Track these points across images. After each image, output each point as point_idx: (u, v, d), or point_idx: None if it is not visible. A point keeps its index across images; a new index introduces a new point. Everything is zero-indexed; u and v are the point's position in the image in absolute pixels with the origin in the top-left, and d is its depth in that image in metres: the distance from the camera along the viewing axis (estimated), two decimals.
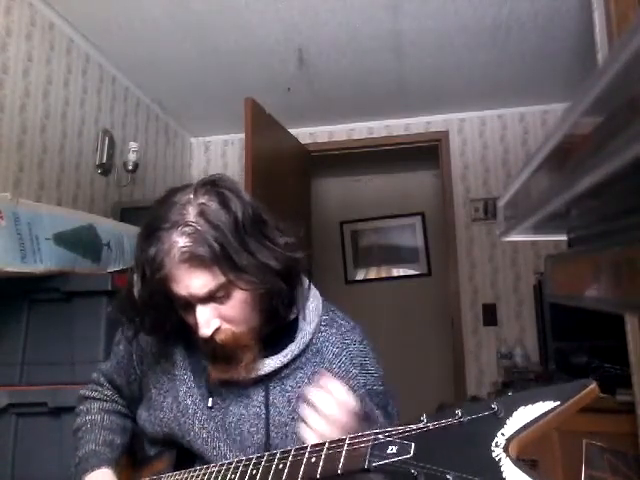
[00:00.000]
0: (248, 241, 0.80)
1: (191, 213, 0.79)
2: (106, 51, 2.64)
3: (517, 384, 2.51)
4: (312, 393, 0.74)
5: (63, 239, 1.59)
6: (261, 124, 2.70)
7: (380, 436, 0.57)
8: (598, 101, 0.30)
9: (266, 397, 0.88)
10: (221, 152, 3.71)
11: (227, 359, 0.84)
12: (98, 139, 2.62)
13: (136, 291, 0.81)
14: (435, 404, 3.72)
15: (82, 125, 2.52)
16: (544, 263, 0.49)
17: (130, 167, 2.76)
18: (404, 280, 4.41)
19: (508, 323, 3.17)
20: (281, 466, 0.65)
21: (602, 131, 0.29)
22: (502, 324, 3.18)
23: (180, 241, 0.78)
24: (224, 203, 0.81)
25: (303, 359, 0.90)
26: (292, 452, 0.66)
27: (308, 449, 0.64)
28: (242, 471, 0.70)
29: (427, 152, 3.57)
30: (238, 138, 3.55)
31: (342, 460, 0.58)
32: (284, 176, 2.94)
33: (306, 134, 3.50)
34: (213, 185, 0.83)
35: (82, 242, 1.67)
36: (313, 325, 0.91)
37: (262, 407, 0.88)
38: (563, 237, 0.49)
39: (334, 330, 0.93)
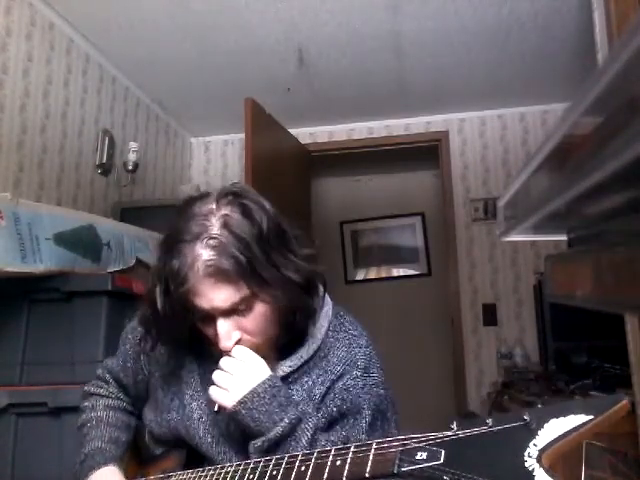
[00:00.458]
0: (272, 254, 0.80)
1: (214, 225, 0.78)
2: (106, 51, 2.64)
3: (517, 384, 2.51)
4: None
5: (63, 239, 1.59)
6: (261, 124, 2.70)
7: (409, 442, 0.56)
8: (598, 101, 0.30)
9: None
10: (221, 152, 3.71)
11: None
12: (98, 139, 2.62)
13: (159, 304, 0.81)
14: (435, 404, 3.73)
15: (82, 125, 2.52)
16: (544, 263, 0.49)
17: (130, 167, 2.76)
18: (404, 280, 4.41)
19: (508, 323, 3.17)
20: (303, 468, 0.65)
21: (602, 131, 0.29)
22: (502, 324, 3.18)
23: (204, 254, 0.76)
24: (248, 214, 0.80)
25: (310, 364, 0.90)
26: (315, 454, 0.66)
27: (332, 452, 0.64)
28: (261, 471, 0.70)
29: (427, 152, 3.57)
30: (238, 138, 3.55)
31: (370, 464, 0.58)
32: (284, 176, 2.94)
33: (306, 134, 3.50)
34: (236, 195, 0.82)
35: (82, 242, 1.67)
36: (323, 330, 0.91)
37: None
38: (563, 237, 0.49)
39: (341, 335, 0.93)
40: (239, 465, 0.76)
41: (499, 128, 3.38)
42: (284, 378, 0.88)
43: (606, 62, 0.28)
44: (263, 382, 0.81)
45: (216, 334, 0.82)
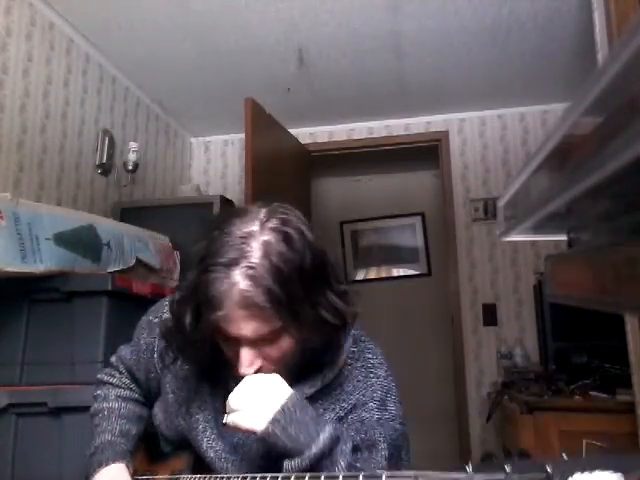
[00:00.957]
0: (311, 291, 0.77)
1: (255, 251, 0.74)
2: (106, 51, 2.64)
3: (517, 384, 2.51)
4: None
5: (63, 239, 1.59)
6: (261, 124, 2.70)
7: (421, 479, 0.54)
8: (598, 101, 0.30)
9: None
10: (221, 152, 3.71)
11: None
12: (98, 139, 2.62)
13: (187, 323, 0.78)
14: (435, 404, 3.73)
15: (82, 125, 2.52)
16: (544, 263, 0.49)
17: (130, 167, 2.76)
18: (404, 280, 4.41)
19: (508, 323, 3.17)
20: None
21: (602, 131, 0.29)
22: (502, 324, 3.17)
23: (241, 283, 0.73)
24: (291, 245, 0.76)
25: (325, 391, 0.87)
26: (322, 477, 0.64)
27: (340, 478, 0.62)
28: None
29: (427, 152, 3.57)
30: (238, 138, 3.55)
31: None
32: (284, 176, 2.94)
33: (306, 134, 3.50)
34: (280, 221, 0.78)
35: (82, 242, 1.67)
36: (342, 359, 0.89)
37: None
38: (563, 237, 0.49)
39: (360, 364, 0.90)
40: (245, 477, 0.75)
41: (499, 128, 3.38)
42: None
43: (606, 62, 0.28)
44: (289, 397, 0.77)
45: (237, 358, 0.79)
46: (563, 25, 2.46)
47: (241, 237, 0.75)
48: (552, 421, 2.10)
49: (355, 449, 0.82)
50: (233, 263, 0.73)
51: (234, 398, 0.78)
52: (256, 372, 0.80)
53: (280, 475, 0.73)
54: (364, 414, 0.86)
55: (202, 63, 2.75)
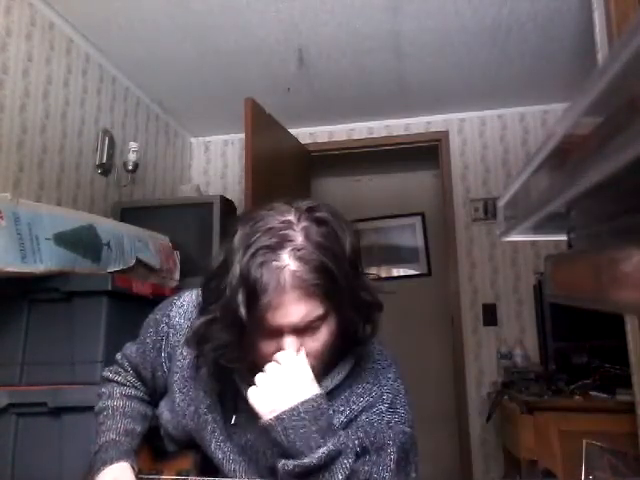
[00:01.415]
0: (353, 275, 0.78)
1: (297, 235, 0.74)
2: (106, 51, 2.64)
3: (517, 384, 2.51)
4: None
5: (63, 239, 1.59)
6: (261, 124, 2.70)
7: None
8: (598, 101, 0.30)
9: None
10: (221, 152, 3.71)
11: None
12: (98, 139, 2.62)
13: (243, 312, 0.73)
14: (435, 404, 3.73)
15: (82, 125, 2.52)
16: (544, 263, 0.49)
17: (130, 167, 2.76)
18: (404, 280, 4.40)
19: (508, 323, 3.17)
20: None
21: (602, 131, 0.29)
22: (502, 324, 3.17)
23: (291, 264, 0.73)
24: (330, 228, 0.77)
25: (334, 393, 0.87)
26: None
27: None
28: None
29: (427, 152, 3.57)
30: (238, 138, 3.55)
31: None
32: (284, 176, 2.94)
33: (306, 134, 3.50)
34: (314, 209, 0.79)
35: (82, 242, 1.67)
36: (352, 361, 0.89)
37: None
38: (563, 237, 0.49)
39: (369, 366, 0.90)
40: None
41: (499, 128, 3.38)
42: None
43: (606, 62, 0.28)
44: (307, 400, 0.75)
45: (276, 351, 0.77)
46: (563, 25, 2.46)
47: (280, 224, 0.75)
48: (552, 421, 2.10)
49: (364, 452, 0.82)
50: (279, 247, 0.73)
51: (263, 375, 0.78)
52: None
53: None
54: (373, 417, 0.85)
55: (202, 63, 2.75)
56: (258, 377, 0.78)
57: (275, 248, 0.73)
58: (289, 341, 0.77)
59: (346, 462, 0.75)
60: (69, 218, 1.67)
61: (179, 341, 0.94)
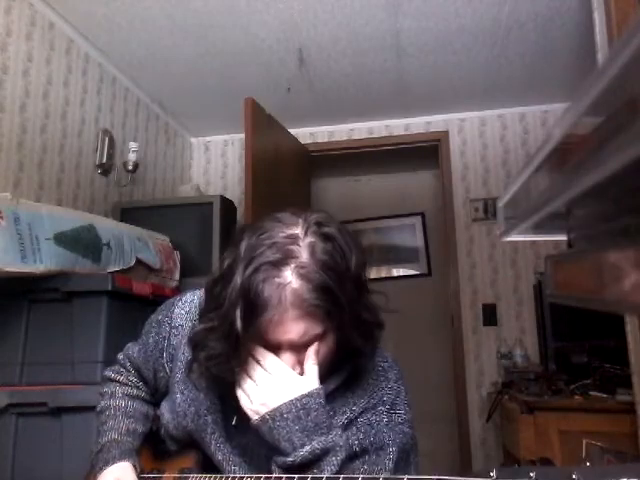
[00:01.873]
0: (356, 295, 0.77)
1: (302, 251, 0.74)
2: (106, 51, 2.64)
3: (517, 384, 2.51)
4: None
5: (63, 239, 1.59)
6: (261, 124, 2.70)
7: None
8: (598, 101, 0.30)
9: None
10: (221, 152, 3.71)
11: None
12: (98, 139, 2.62)
13: (239, 326, 0.72)
14: (435, 404, 3.73)
15: (82, 125, 2.52)
16: (544, 263, 0.49)
17: (130, 167, 2.75)
18: (404, 280, 4.40)
19: (508, 323, 3.17)
20: None
21: (602, 131, 0.29)
22: (502, 324, 3.17)
23: (294, 282, 0.72)
24: (336, 245, 0.76)
25: (335, 394, 0.87)
26: (341, 478, 0.64)
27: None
28: None
29: (427, 152, 3.57)
30: (238, 138, 3.55)
31: None
32: (284, 176, 2.94)
33: (306, 134, 3.50)
34: (321, 225, 0.77)
35: (82, 242, 1.67)
36: (353, 363, 0.88)
37: None
38: (563, 237, 0.49)
39: (370, 367, 0.90)
40: (259, 477, 0.75)
41: (499, 128, 3.38)
42: None
43: (606, 62, 0.28)
44: (291, 402, 0.77)
45: None
46: (563, 25, 2.46)
47: (286, 238, 0.74)
48: (552, 421, 2.10)
49: (363, 452, 0.82)
50: (282, 263, 0.72)
51: (259, 374, 0.79)
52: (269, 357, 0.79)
53: (284, 476, 0.73)
54: (373, 417, 0.86)
55: (202, 63, 2.75)
56: (245, 379, 0.80)
57: (278, 264, 0.72)
58: (286, 357, 0.78)
59: (334, 460, 0.75)
60: (69, 218, 1.67)
61: (181, 342, 0.94)
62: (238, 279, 0.73)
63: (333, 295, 0.73)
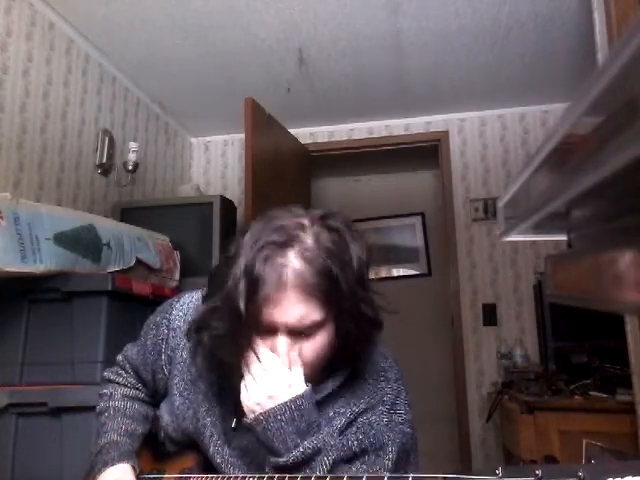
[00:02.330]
0: (357, 287, 0.77)
1: (308, 237, 0.75)
2: (106, 51, 2.64)
3: (517, 384, 2.51)
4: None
5: (63, 239, 1.59)
6: (261, 124, 2.70)
7: None
8: (598, 101, 0.30)
9: None
10: (221, 152, 3.71)
11: None
12: (98, 139, 2.62)
13: (241, 303, 0.73)
14: (435, 404, 3.73)
15: (82, 125, 2.52)
16: (544, 263, 0.49)
17: (130, 167, 2.75)
18: (404, 280, 4.40)
19: (508, 323, 3.17)
20: None
21: (602, 131, 0.29)
22: (502, 324, 3.17)
23: (296, 263, 0.73)
24: (341, 237, 0.78)
25: (335, 395, 0.87)
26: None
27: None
28: None
29: (427, 152, 3.57)
30: (238, 138, 3.55)
31: None
32: (284, 176, 2.94)
33: (306, 134, 3.50)
34: (328, 218, 0.79)
35: (82, 242, 1.67)
36: (353, 363, 0.88)
37: None
38: (563, 237, 0.49)
39: (370, 366, 0.90)
40: (262, 477, 0.76)
41: (499, 128, 3.38)
42: None
43: (606, 62, 0.28)
44: (285, 403, 0.77)
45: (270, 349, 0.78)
46: (563, 25, 2.46)
47: (293, 224, 0.76)
48: (552, 421, 2.10)
49: (363, 452, 0.82)
50: (287, 245, 0.74)
51: (248, 378, 0.79)
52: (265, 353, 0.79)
53: (287, 475, 0.73)
54: (373, 417, 0.85)
55: (202, 63, 2.75)
56: (247, 374, 0.80)
57: (283, 245, 0.74)
58: (281, 341, 0.78)
59: (326, 460, 0.76)
60: (69, 218, 1.67)
61: (179, 344, 0.94)
62: (243, 259, 0.75)
63: (334, 280, 0.74)
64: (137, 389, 1.03)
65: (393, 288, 4.42)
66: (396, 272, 4.47)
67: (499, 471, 0.50)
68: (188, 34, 2.50)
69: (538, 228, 0.48)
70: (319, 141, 3.56)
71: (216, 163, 3.69)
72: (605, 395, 2.13)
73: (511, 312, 3.18)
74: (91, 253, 1.69)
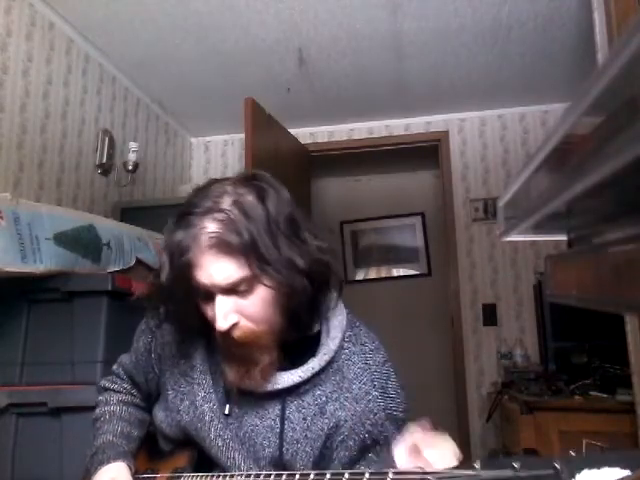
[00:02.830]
0: (278, 237, 0.79)
1: (226, 202, 0.79)
2: (106, 51, 2.64)
3: (517, 384, 2.51)
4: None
5: (63, 239, 1.59)
6: (261, 124, 2.70)
7: (429, 477, 0.54)
8: (598, 101, 0.30)
9: (282, 411, 0.86)
10: (221, 152, 3.71)
11: (243, 360, 0.82)
12: (98, 139, 2.62)
13: (163, 274, 0.80)
14: (435, 404, 3.73)
15: (82, 125, 2.52)
16: (544, 263, 0.49)
17: (130, 167, 2.75)
18: (404, 280, 4.40)
19: (508, 323, 3.17)
20: None
21: (602, 131, 0.29)
22: (502, 324, 3.17)
23: (210, 226, 0.77)
24: (261, 197, 0.80)
25: (323, 376, 0.87)
26: (327, 476, 0.65)
27: (346, 475, 0.63)
28: None
29: (427, 152, 3.57)
30: (238, 138, 3.55)
31: None
32: (284, 176, 2.90)
33: (306, 134, 3.50)
34: (253, 179, 0.84)
35: (82, 242, 1.67)
36: (336, 342, 0.89)
37: (277, 421, 0.86)
38: (563, 237, 0.49)
39: (357, 349, 0.91)
40: (248, 477, 0.76)
41: (499, 128, 3.38)
42: (295, 387, 0.86)
43: (606, 62, 0.28)
44: None
45: (214, 315, 0.80)
46: (563, 25, 2.46)
47: (216, 193, 0.81)
48: (552, 421, 2.10)
49: (374, 443, 0.85)
50: (205, 212, 0.78)
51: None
52: (233, 328, 0.81)
53: (285, 473, 0.73)
54: (371, 405, 0.86)
55: (202, 63, 2.75)
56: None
57: (202, 214, 0.78)
58: (219, 302, 0.80)
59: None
60: (69, 218, 1.67)
61: (169, 341, 0.96)
62: (168, 232, 0.82)
63: (249, 236, 0.76)
64: (133, 395, 1.05)
65: (393, 288, 4.42)
66: (396, 272, 4.47)
67: (477, 464, 0.50)
68: (188, 34, 2.50)
69: (538, 228, 0.48)
70: (319, 141, 3.56)
71: (216, 163, 3.69)
72: (605, 395, 2.13)
73: (511, 312, 3.18)
74: (91, 253, 1.69)
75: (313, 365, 0.86)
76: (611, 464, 0.43)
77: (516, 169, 3.25)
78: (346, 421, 0.85)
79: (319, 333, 0.91)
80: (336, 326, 0.90)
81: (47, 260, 1.52)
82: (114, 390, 1.05)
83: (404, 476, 0.57)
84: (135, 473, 0.93)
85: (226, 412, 0.87)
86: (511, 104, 3.32)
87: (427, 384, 3.89)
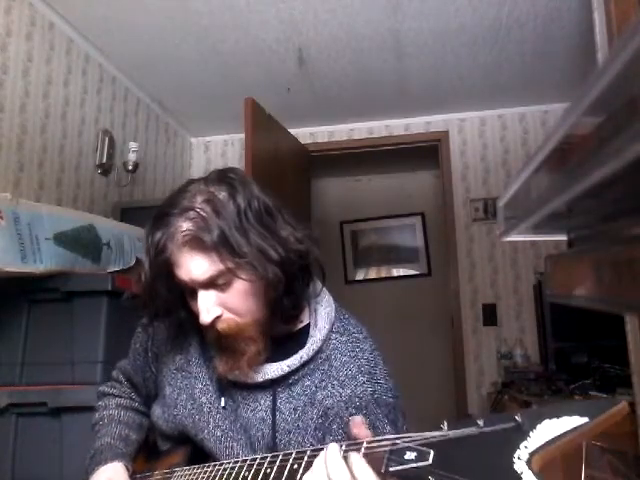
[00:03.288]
0: (249, 231, 0.81)
1: (199, 200, 0.81)
2: (106, 51, 2.64)
3: (517, 384, 2.51)
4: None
5: (63, 239, 1.59)
6: (261, 124, 2.70)
7: (399, 441, 0.56)
8: (598, 101, 0.30)
9: (273, 402, 0.87)
10: (221, 152, 3.71)
11: (230, 351, 0.84)
12: (98, 139, 2.62)
13: (145, 274, 0.84)
14: (435, 404, 3.73)
15: (82, 125, 2.52)
16: (544, 263, 0.49)
17: (130, 167, 2.75)
18: (404, 280, 4.41)
19: (508, 323, 3.17)
20: (296, 466, 0.65)
21: (602, 131, 0.29)
22: (502, 324, 3.18)
23: (184, 226, 0.80)
24: (231, 193, 0.83)
25: (312, 366, 0.88)
26: (308, 452, 0.66)
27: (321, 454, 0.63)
28: (256, 469, 0.71)
29: (427, 152, 3.57)
30: (238, 138, 3.55)
31: None
32: (284, 176, 2.94)
33: (306, 134, 3.50)
34: (224, 176, 0.86)
35: (82, 242, 1.67)
36: (324, 332, 0.90)
37: (268, 412, 0.87)
38: (563, 237, 0.49)
39: (345, 338, 0.92)
40: (236, 462, 0.76)
41: (499, 128, 3.38)
42: (284, 378, 0.87)
43: (606, 62, 0.28)
44: None
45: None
46: (563, 25, 2.46)
47: (190, 193, 0.83)
48: None
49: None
50: (180, 212, 0.81)
51: None
52: (216, 321, 0.82)
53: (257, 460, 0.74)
54: (357, 389, 0.87)
55: (202, 63, 2.75)
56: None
57: (176, 214, 0.81)
58: (201, 296, 0.82)
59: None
60: (69, 218, 1.67)
61: (164, 339, 0.98)
62: (145, 232, 0.84)
63: (220, 231, 0.78)
64: (132, 399, 1.06)
65: (393, 288, 4.43)
66: (396, 272, 4.47)
67: (444, 425, 0.52)
68: (188, 34, 2.50)
69: (538, 228, 0.48)
70: (319, 141, 3.56)
71: (216, 163, 3.69)
72: (605, 395, 2.13)
73: (511, 312, 3.18)
74: (91, 253, 1.69)
75: (301, 355, 0.87)
76: (570, 413, 0.45)
77: (516, 169, 3.25)
78: (332, 407, 0.85)
79: (308, 325, 0.92)
80: (323, 317, 0.92)
81: (47, 260, 1.52)
82: (113, 395, 1.07)
83: (376, 444, 0.58)
84: (132, 474, 0.94)
85: (222, 404, 0.89)
86: (511, 104, 3.32)
87: (427, 384, 3.89)
